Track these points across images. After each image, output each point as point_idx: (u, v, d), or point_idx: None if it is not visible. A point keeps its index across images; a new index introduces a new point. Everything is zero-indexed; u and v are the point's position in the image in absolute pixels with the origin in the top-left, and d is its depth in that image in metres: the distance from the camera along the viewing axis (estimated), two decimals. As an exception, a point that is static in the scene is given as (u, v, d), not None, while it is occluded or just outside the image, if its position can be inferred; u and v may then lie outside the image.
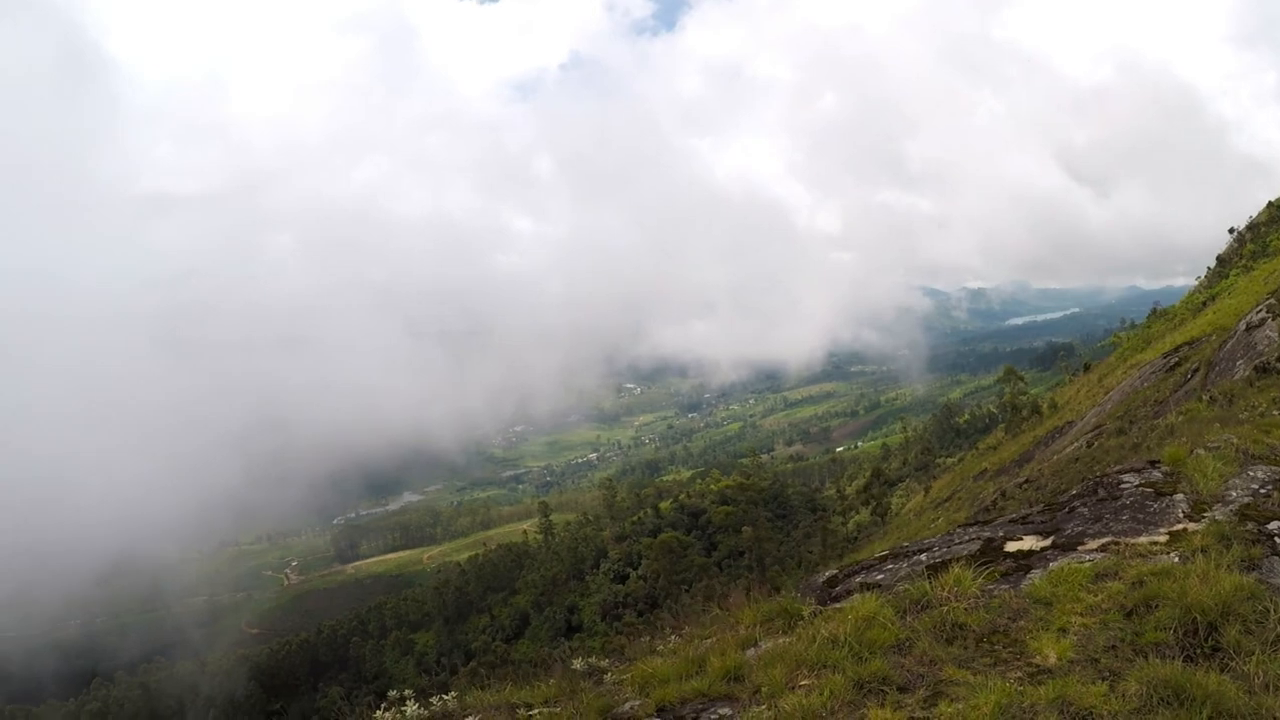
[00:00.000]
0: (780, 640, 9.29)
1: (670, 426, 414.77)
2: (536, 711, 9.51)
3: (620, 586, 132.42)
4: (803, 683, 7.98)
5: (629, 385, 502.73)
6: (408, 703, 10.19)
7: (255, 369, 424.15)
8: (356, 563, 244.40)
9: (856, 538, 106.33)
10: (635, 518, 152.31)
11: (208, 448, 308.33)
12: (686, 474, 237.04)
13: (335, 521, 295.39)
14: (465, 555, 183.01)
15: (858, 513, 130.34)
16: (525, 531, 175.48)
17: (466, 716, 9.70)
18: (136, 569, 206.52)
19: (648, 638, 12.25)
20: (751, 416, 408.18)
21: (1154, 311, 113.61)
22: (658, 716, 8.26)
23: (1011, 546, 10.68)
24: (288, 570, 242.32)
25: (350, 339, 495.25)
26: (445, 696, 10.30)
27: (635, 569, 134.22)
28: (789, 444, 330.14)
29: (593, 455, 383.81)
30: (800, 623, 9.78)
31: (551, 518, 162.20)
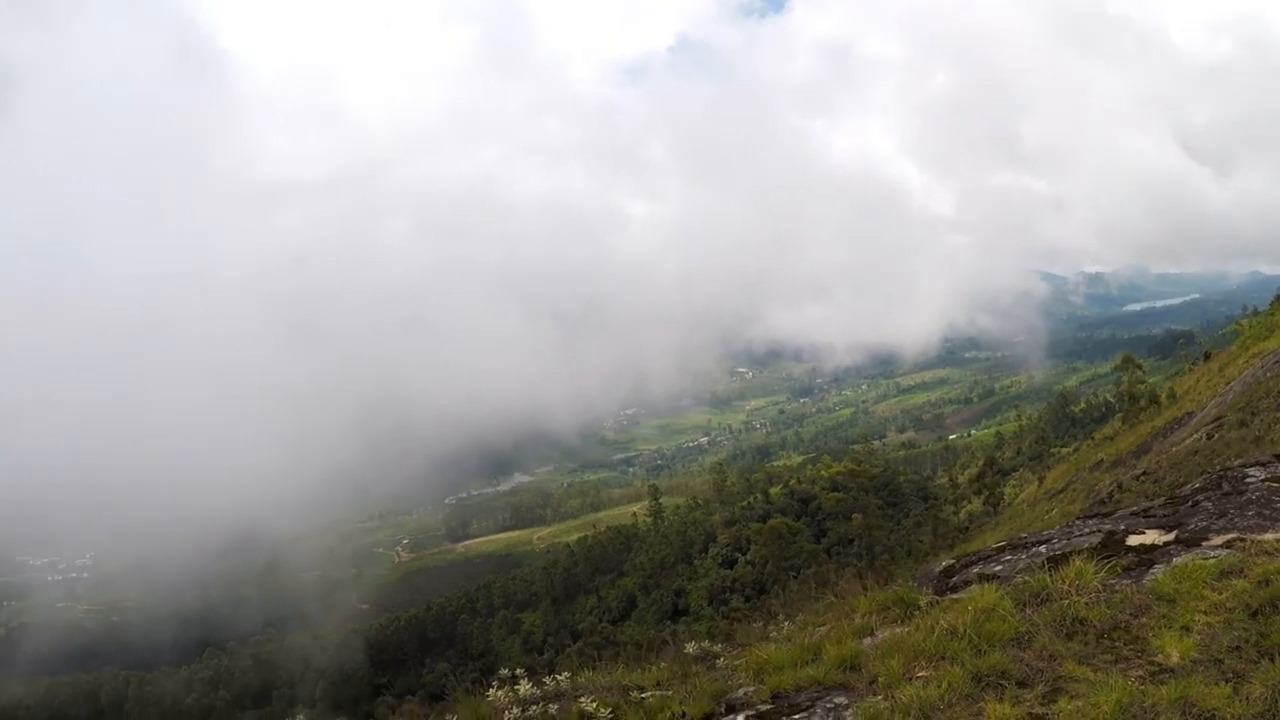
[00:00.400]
0: (897, 630, 9.24)
1: (782, 411, 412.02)
2: (649, 694, 9.58)
3: (728, 571, 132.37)
4: (920, 674, 7.92)
5: (741, 369, 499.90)
6: (520, 681, 10.33)
7: (375, 351, 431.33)
8: (466, 542, 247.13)
9: (968, 528, 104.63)
10: (745, 503, 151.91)
11: (328, 427, 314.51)
12: (797, 459, 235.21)
13: (447, 501, 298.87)
14: (574, 536, 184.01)
15: (970, 502, 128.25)
16: (635, 514, 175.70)
17: (579, 697, 9.80)
18: (255, 543, 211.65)
19: (760, 623, 12.27)
20: (864, 402, 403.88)
21: (1278, 298, 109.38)
22: (772, 703, 8.27)
23: (1134, 540, 10.46)
24: (399, 548, 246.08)
25: (467, 321, 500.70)
26: (558, 676, 10.43)
27: (744, 554, 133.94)
28: (901, 431, 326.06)
29: (703, 439, 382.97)
30: (917, 613, 9.70)
31: (661, 501, 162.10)
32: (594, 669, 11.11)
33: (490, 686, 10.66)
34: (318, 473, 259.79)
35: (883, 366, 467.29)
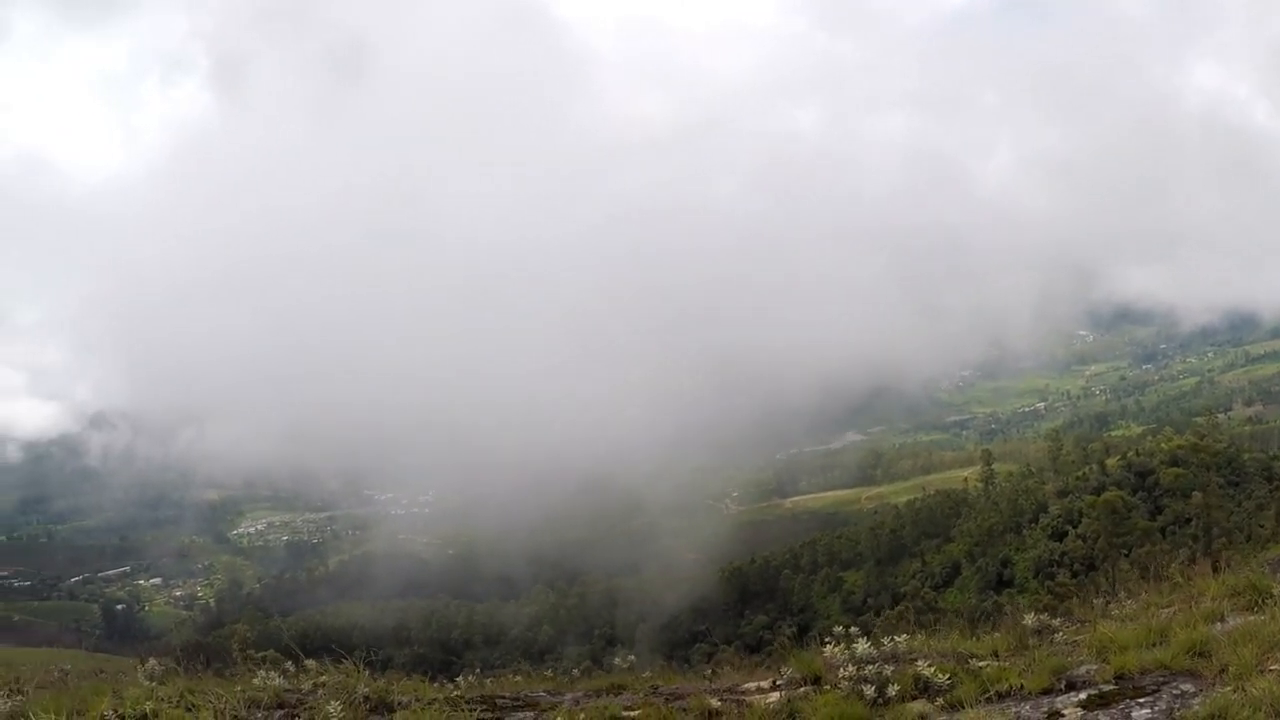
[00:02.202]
0: (1250, 618, 8.91)
1: (1122, 378, 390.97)
2: (986, 663, 9.62)
3: (1057, 544, 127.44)
4: (1273, 667, 7.63)
5: (1082, 331, 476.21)
6: (857, 640, 10.52)
7: (718, 306, 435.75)
8: (795, 497, 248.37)
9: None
10: (1079, 473, 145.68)
11: (671, 380, 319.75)
12: (1136, 430, 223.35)
13: (778, 456, 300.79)
14: (903, 498, 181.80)
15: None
16: (966, 479, 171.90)
17: (915, 660, 9.94)
18: (590, 490, 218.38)
19: (1101, 600, 12.00)
20: (1209, 371, 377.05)
21: None
22: (1115, 684, 8.15)
23: None
24: (728, 499, 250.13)
25: (810, 277, 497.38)
26: (896, 638, 10.58)
27: (1074, 527, 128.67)
28: (1248, 404, 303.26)
29: (1040, 404, 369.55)
30: (1269, 601, 9.32)
31: (993, 467, 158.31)
32: (914, 634, 11.16)
33: (812, 642, 10.92)
34: (657, 424, 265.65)
35: (1233, 332, 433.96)
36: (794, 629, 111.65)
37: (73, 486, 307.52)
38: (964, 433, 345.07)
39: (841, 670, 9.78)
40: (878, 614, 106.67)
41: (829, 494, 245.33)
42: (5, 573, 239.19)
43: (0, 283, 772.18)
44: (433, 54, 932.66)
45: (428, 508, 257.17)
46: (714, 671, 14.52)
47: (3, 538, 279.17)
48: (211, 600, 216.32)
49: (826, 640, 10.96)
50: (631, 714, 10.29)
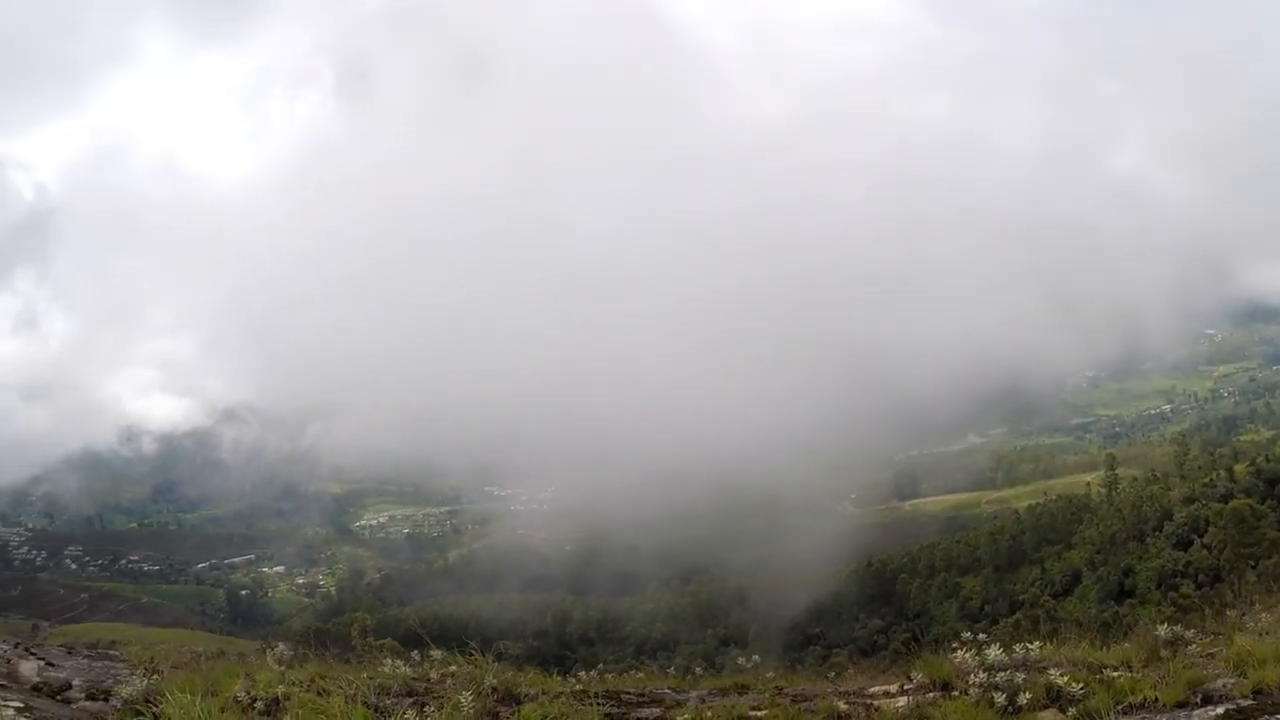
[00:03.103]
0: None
1: (1253, 379, 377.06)
2: (1118, 674, 9.57)
3: (1181, 554, 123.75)
4: None
5: (1209, 331, 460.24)
6: (988, 646, 10.50)
7: (849, 299, 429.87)
8: (914, 500, 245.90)
9: None
10: (1206, 479, 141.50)
11: (802, 376, 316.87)
12: (1266, 435, 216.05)
13: (897, 458, 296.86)
14: (1024, 503, 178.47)
15: None
16: (1088, 484, 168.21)
17: (1046, 668, 9.92)
18: (720, 486, 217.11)
19: (1236, 612, 11.79)
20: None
21: None
22: (1254, 699, 8.04)
23: None
24: (847, 500, 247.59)
25: (945, 270, 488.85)
26: (1028, 645, 10.55)
27: (1200, 536, 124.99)
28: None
29: (1165, 407, 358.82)
30: None
31: (1117, 471, 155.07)
32: (1032, 642, 11.08)
33: (928, 648, 10.91)
34: (783, 421, 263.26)
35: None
36: (909, 634, 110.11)
37: (202, 477, 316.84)
38: (1087, 436, 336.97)
39: (972, 676, 9.78)
40: (995, 621, 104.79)
41: (948, 497, 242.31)
42: (136, 557, 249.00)
43: (138, 284, 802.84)
44: (553, 55, 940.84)
45: (547, 504, 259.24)
46: (836, 674, 14.59)
47: (135, 524, 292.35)
48: (332, 589, 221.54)
49: (954, 646, 10.96)
50: (758, 714, 10.40)
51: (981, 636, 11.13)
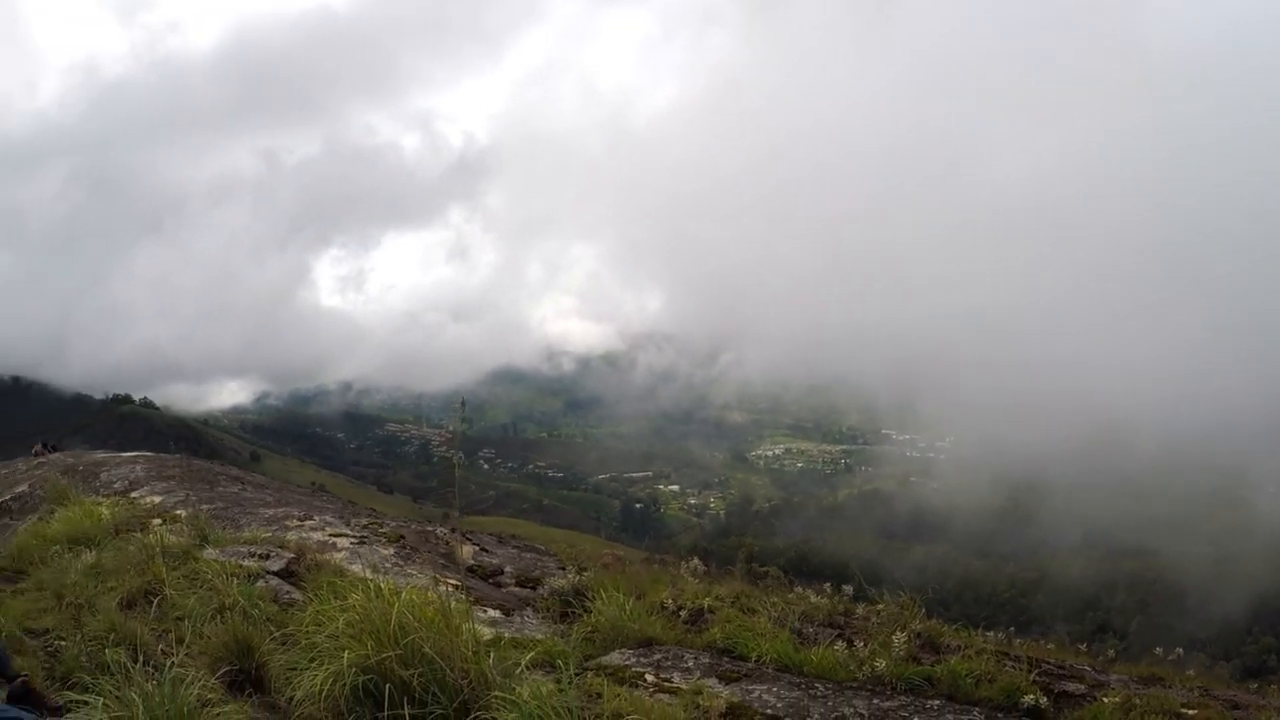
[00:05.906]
0: None
1: None
2: None
3: None
4: None
5: None
6: None
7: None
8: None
9: None
10: None
11: (1206, 345, 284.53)
12: None
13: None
14: None
15: None
16: None
17: None
18: (1160, 459, 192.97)
19: None
20: None
21: None
22: None
23: None
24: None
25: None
26: None
27: None
28: None
29: None
30: None
31: None
32: None
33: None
34: (1251, 398, 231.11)
35: None
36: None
37: (612, 397, 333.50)
38: None
39: None
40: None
41: None
42: (543, 463, 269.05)
43: (559, 219, 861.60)
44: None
45: (943, 454, 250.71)
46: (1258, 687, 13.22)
47: (545, 434, 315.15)
48: (722, 512, 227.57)
49: None
50: (1189, 713, 9.62)
51: None
